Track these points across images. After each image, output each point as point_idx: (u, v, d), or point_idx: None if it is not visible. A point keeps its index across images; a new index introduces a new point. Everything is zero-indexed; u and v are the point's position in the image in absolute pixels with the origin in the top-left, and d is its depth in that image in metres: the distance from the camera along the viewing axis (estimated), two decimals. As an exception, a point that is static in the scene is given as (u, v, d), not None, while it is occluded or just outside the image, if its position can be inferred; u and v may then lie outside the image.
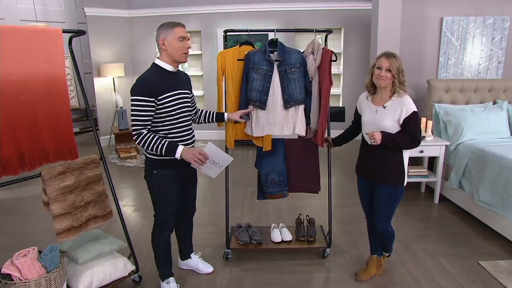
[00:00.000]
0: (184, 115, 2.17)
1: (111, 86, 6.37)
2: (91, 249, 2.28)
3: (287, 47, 2.55)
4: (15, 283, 1.85)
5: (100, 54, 6.25)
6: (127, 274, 2.41)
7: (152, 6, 6.38)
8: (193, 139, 2.28)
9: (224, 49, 2.64)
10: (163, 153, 2.04)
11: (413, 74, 4.41)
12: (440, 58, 4.46)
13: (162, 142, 2.02)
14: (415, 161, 4.06)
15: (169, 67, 2.10)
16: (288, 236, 2.82)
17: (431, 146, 3.67)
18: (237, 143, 2.76)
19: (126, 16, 6.45)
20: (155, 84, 2.02)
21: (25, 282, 1.86)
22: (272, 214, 3.60)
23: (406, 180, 2.28)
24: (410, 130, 2.13)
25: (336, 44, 6.30)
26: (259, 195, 2.84)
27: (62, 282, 2.05)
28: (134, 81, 2.04)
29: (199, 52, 6.56)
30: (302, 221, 2.98)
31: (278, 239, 2.80)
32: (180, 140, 2.15)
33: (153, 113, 2.04)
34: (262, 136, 2.64)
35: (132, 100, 2.00)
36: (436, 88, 4.03)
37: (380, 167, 2.24)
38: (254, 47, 2.63)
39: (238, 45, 2.60)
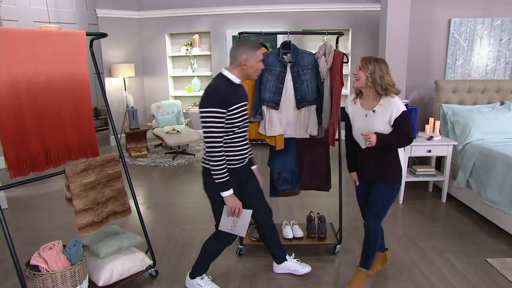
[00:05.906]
0: (246, 125, 2.19)
1: (122, 86, 6.48)
2: (111, 243, 2.37)
3: (300, 49, 2.62)
4: (42, 274, 1.94)
5: (111, 55, 6.37)
6: (144, 268, 2.50)
7: (162, 8, 6.49)
8: (250, 149, 2.31)
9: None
10: (216, 181, 2.05)
11: (421, 74, 4.48)
12: (448, 59, 4.51)
13: (225, 175, 2.04)
14: (423, 161, 4.12)
15: (237, 80, 2.09)
16: (299, 233, 2.89)
17: (439, 146, 3.72)
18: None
19: (136, 17, 6.57)
20: (228, 95, 2.00)
21: (52, 274, 1.95)
22: (282, 212, 3.67)
23: (402, 178, 2.30)
24: (402, 129, 2.16)
25: (344, 45, 6.36)
26: (272, 193, 2.91)
27: (84, 274, 2.14)
28: (204, 92, 2.01)
29: (208, 53, 6.65)
30: (313, 218, 3.05)
31: (290, 236, 2.87)
32: (240, 149, 2.17)
33: (224, 125, 2.02)
34: (275, 136, 2.72)
35: (206, 112, 1.94)
36: (444, 88, 4.07)
37: (377, 167, 2.27)
38: (267, 48, 2.70)
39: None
